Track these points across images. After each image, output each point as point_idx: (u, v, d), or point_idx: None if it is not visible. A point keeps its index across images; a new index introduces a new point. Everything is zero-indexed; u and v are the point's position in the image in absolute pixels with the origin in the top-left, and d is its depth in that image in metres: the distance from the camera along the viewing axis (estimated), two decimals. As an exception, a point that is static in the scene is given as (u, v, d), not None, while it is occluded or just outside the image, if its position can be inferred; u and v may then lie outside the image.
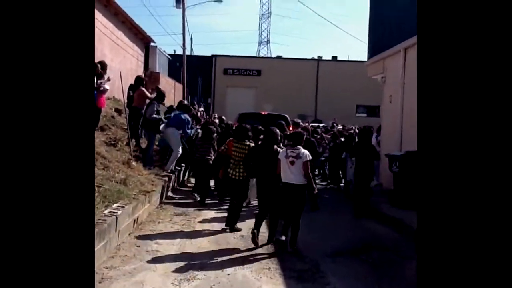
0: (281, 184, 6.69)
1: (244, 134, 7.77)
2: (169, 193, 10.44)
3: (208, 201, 9.91)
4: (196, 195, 10.25)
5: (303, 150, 6.60)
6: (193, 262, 5.69)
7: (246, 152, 7.42)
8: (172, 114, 11.61)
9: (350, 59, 47.24)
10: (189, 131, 11.33)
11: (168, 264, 5.59)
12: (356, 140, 12.71)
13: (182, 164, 12.30)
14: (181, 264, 5.62)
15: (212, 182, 10.79)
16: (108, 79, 10.95)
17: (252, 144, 7.63)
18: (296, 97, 39.92)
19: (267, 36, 68.29)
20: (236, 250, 6.42)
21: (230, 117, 22.24)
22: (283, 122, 11.37)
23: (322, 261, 6.03)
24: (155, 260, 5.69)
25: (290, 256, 6.28)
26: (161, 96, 11.92)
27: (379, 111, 41.15)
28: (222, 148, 8.37)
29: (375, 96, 39.31)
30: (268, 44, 70.78)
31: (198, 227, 7.69)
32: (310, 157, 6.65)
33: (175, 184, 11.47)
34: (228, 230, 7.48)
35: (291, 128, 12.29)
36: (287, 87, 40.57)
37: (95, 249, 5.01)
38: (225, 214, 8.87)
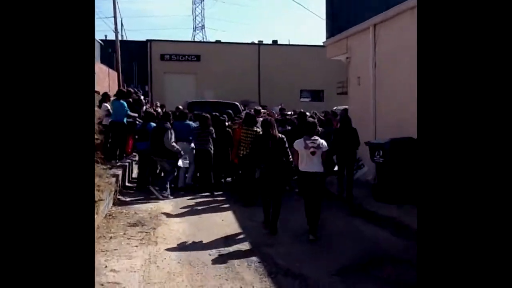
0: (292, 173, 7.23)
1: (253, 121, 8.86)
2: (118, 195, 8.83)
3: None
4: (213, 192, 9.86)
5: (321, 140, 6.74)
6: (167, 301, 4.24)
7: (254, 137, 7.91)
8: (174, 124, 10.24)
9: (290, 43, 46.33)
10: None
11: (133, 306, 4.11)
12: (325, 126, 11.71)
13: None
14: (152, 305, 4.15)
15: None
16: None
17: (259, 130, 8.10)
18: (238, 83, 38.21)
19: (202, 21, 65.91)
20: (214, 274, 4.99)
21: (170, 105, 20.81)
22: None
23: (331, 284, 4.75)
24: (115, 302, 4.19)
25: (287, 276, 4.95)
26: (121, 94, 10.80)
27: (323, 96, 40.88)
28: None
29: (318, 80, 39.33)
30: (203, 29, 67.93)
31: (160, 241, 6.19)
32: (327, 147, 6.79)
33: (122, 184, 9.85)
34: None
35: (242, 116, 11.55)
36: (228, 72, 38.83)
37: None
38: (187, 219, 7.52)
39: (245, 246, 6.07)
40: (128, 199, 8.96)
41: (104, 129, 11.10)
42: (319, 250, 5.97)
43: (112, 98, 11.52)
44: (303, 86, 41.12)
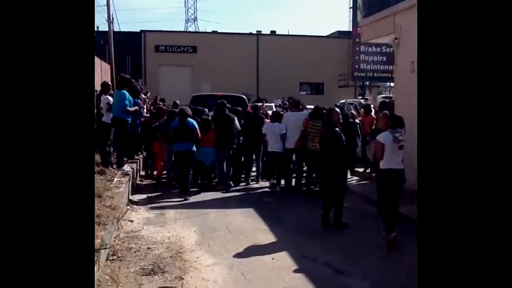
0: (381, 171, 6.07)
1: (320, 113, 8.76)
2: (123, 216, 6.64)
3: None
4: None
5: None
6: None
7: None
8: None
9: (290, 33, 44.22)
10: None
11: None
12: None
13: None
14: None
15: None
16: None
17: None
18: (235, 75, 35.88)
19: (194, 13, 63.24)
20: None
21: (166, 99, 18.83)
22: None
23: None
24: None
25: None
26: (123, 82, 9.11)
27: (323, 88, 38.77)
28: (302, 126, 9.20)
29: (318, 73, 37.27)
30: (196, 22, 65.17)
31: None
32: None
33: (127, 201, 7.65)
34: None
35: (249, 109, 11.31)
36: (226, 64, 36.52)
37: None
38: (223, 258, 5.36)
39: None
40: (136, 219, 6.81)
41: (101, 128, 8.89)
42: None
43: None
44: (302, 78, 39.11)
